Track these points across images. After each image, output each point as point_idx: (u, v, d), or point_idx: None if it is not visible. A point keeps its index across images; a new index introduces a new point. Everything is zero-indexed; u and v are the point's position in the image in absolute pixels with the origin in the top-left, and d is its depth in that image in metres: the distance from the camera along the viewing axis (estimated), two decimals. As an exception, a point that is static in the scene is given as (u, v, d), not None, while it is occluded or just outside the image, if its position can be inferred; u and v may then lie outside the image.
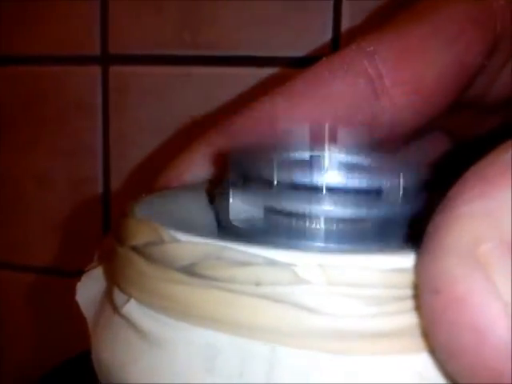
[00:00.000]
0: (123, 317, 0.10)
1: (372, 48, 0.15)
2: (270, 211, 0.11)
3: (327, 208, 0.11)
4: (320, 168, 0.11)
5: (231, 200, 0.12)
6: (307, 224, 0.11)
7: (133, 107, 0.35)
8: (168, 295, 0.10)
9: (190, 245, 0.09)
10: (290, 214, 0.11)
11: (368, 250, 0.09)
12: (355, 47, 0.16)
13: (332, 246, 0.10)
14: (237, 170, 0.12)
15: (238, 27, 0.32)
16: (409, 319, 0.09)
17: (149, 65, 0.34)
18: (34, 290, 0.39)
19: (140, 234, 0.10)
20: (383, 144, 0.16)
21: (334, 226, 0.11)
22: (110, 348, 0.11)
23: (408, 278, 0.09)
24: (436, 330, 0.08)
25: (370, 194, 0.11)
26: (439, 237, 0.08)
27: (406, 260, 0.09)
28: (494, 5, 0.16)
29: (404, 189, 0.11)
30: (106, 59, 0.35)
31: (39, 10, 0.36)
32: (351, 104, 0.15)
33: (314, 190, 0.11)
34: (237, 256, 0.09)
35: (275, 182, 0.11)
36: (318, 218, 0.11)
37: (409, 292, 0.09)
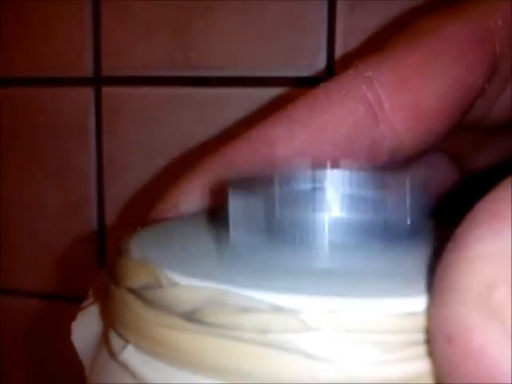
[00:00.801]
0: (121, 363, 0.10)
1: (370, 73, 0.15)
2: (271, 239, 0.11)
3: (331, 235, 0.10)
4: (322, 203, 0.11)
5: (232, 233, 0.11)
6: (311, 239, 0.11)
7: (126, 128, 0.35)
8: (168, 342, 0.09)
9: (191, 289, 0.09)
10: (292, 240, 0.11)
11: (377, 291, 0.09)
12: (353, 72, 0.15)
13: (338, 272, 0.10)
14: (237, 206, 0.11)
15: (231, 48, 0.32)
16: (421, 366, 0.08)
17: (142, 86, 0.34)
18: (25, 316, 0.38)
19: (136, 276, 0.10)
20: (383, 167, 0.16)
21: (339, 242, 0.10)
22: (108, 396, 0.10)
23: (419, 322, 0.08)
24: (451, 380, 0.08)
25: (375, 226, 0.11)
26: (450, 280, 0.08)
27: (417, 303, 0.08)
28: (492, 26, 0.15)
29: (411, 221, 0.11)
30: (99, 81, 0.35)
31: (32, 33, 0.36)
32: (350, 130, 0.15)
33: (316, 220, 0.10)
34: (241, 301, 0.09)
35: (277, 218, 0.10)
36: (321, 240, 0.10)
37: (421, 337, 0.08)
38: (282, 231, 0.11)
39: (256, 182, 0.11)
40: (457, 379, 0.07)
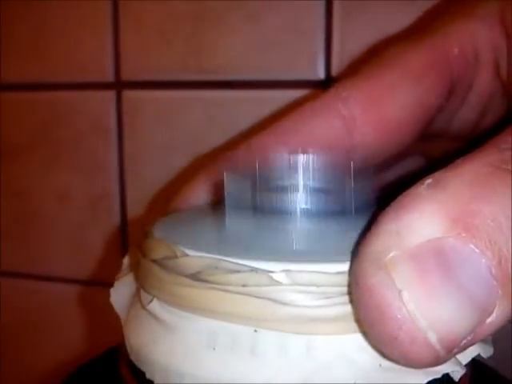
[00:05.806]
0: (148, 311, 0.14)
1: (346, 93, 0.18)
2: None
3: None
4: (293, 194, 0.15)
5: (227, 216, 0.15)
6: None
7: (144, 128, 0.37)
8: (180, 295, 0.13)
9: (196, 258, 0.13)
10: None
11: (320, 258, 0.13)
12: (333, 92, 0.19)
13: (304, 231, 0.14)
14: (231, 196, 0.15)
15: (238, 54, 0.35)
16: (348, 308, 0.12)
17: (158, 89, 0.37)
18: (53, 300, 0.41)
19: (158, 251, 0.14)
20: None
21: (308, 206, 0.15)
22: (139, 334, 0.14)
23: (347, 279, 0.12)
24: (358, 311, 0.12)
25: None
26: (364, 247, 0.12)
27: (345, 266, 0.12)
28: (449, 54, 0.18)
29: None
30: (119, 85, 0.38)
31: (57, 43, 0.39)
32: (329, 141, 0.18)
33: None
34: (229, 266, 0.13)
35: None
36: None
37: (347, 289, 0.12)
38: (264, 213, 0.15)
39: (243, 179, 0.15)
40: (361, 309, 0.11)
